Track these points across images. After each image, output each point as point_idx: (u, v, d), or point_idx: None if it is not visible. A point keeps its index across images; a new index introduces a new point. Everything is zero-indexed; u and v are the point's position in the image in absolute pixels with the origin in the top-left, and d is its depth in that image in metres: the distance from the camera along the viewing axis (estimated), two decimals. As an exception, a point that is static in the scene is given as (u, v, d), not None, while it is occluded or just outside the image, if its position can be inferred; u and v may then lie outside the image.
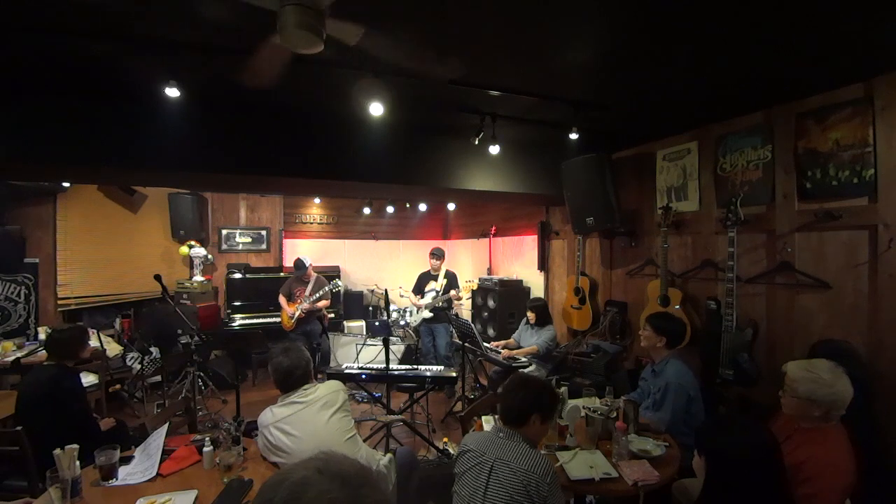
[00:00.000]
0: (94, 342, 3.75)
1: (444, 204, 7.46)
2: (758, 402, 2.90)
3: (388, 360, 3.49)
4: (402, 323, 6.01)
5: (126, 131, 3.06)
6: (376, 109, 2.79)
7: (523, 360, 4.15)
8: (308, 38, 1.71)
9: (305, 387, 2.13)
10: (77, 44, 2.19)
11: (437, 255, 5.26)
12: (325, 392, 2.13)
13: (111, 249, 5.48)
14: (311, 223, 7.55)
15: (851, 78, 2.56)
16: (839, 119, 2.65)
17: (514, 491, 1.61)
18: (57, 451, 1.73)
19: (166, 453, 2.05)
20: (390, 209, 7.59)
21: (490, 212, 6.78)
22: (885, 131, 2.47)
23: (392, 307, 6.07)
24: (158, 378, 4.73)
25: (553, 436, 2.25)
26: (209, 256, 6.41)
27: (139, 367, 4.44)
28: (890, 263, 2.44)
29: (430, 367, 3.93)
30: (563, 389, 2.67)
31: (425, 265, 5.42)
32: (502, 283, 5.69)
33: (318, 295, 5.04)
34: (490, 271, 6.67)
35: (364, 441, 2.30)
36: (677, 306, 3.48)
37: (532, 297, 5.49)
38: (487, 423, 2.51)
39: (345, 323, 6.50)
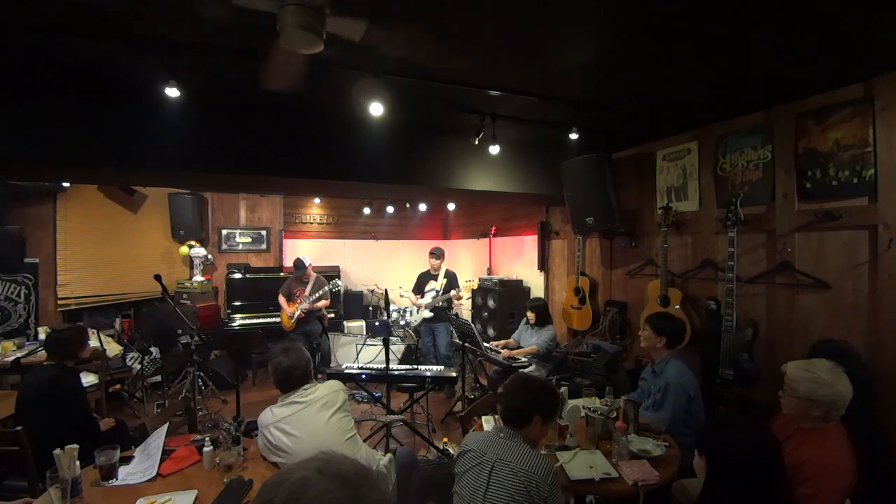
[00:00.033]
0: (94, 342, 3.76)
1: (444, 204, 7.46)
2: (758, 402, 2.90)
3: (388, 360, 3.49)
4: (402, 323, 6.01)
5: (126, 131, 3.06)
6: (376, 109, 2.79)
7: (523, 360, 4.15)
8: (308, 38, 1.71)
9: (305, 387, 2.13)
10: (77, 44, 2.19)
11: (437, 254, 5.26)
12: (325, 392, 2.13)
13: (111, 249, 5.49)
14: (311, 223, 7.55)
15: (851, 78, 2.56)
16: (839, 119, 2.65)
17: (515, 491, 1.61)
18: (57, 451, 1.73)
19: (166, 453, 2.05)
20: (390, 209, 7.59)
21: (490, 212, 6.78)
22: (885, 131, 2.47)
23: (392, 307, 6.07)
24: (158, 378, 4.73)
25: (553, 436, 2.25)
26: (209, 256, 6.41)
27: (139, 367, 4.44)
28: (890, 263, 2.44)
29: (430, 367, 3.93)
30: (563, 389, 2.67)
31: (425, 265, 5.42)
32: (502, 283, 5.69)
33: (317, 295, 5.04)
34: (490, 271, 6.67)
35: (364, 441, 2.30)
36: (677, 306, 3.48)
37: (532, 297, 5.49)
38: (487, 423, 2.51)
39: (345, 323, 6.50)
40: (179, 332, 5.08)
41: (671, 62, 2.39)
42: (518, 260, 6.07)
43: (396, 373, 3.69)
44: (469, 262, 7.38)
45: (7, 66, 2.51)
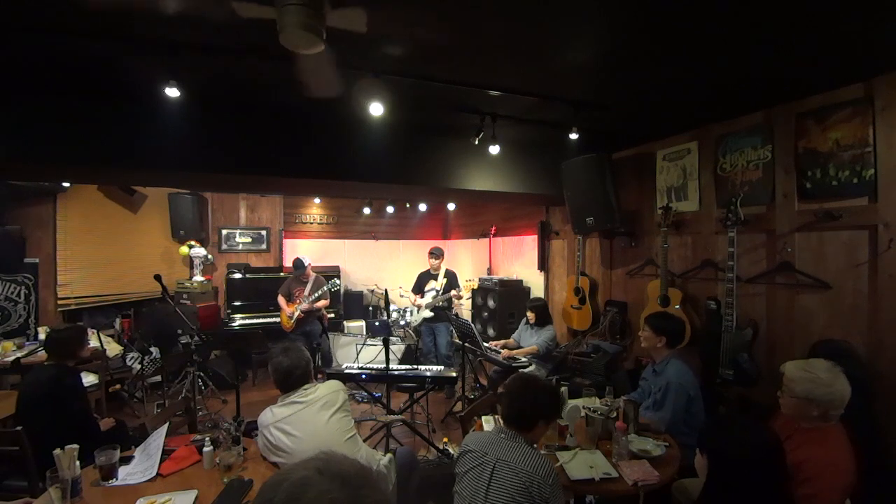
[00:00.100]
0: (94, 342, 3.76)
1: (444, 204, 7.46)
2: (758, 402, 2.90)
3: (388, 360, 3.49)
4: (402, 323, 6.01)
5: (126, 131, 3.06)
6: (376, 109, 2.80)
7: (523, 360, 4.15)
8: (308, 38, 1.71)
9: (305, 387, 2.13)
10: (77, 44, 2.19)
11: (436, 254, 5.26)
12: (325, 392, 2.13)
13: (111, 249, 5.48)
14: (311, 223, 7.55)
15: (851, 78, 2.56)
16: (839, 119, 2.65)
17: (516, 492, 1.61)
18: (57, 451, 1.73)
19: (166, 453, 2.05)
20: (390, 209, 7.59)
21: (490, 212, 6.78)
22: (885, 131, 2.47)
23: (392, 307, 6.07)
24: (158, 378, 4.73)
25: (553, 436, 2.25)
26: (209, 256, 6.41)
27: (139, 367, 4.44)
28: (890, 263, 2.44)
29: (430, 367, 3.93)
30: (563, 389, 2.67)
31: (425, 265, 5.42)
32: (502, 283, 5.69)
33: (317, 295, 5.04)
34: (490, 271, 6.67)
35: (364, 441, 2.30)
36: (677, 306, 3.48)
37: (532, 297, 5.49)
38: (487, 423, 2.51)
39: (345, 323, 6.51)
40: (179, 332, 5.08)
41: (671, 62, 2.39)
42: (518, 260, 6.07)
43: (396, 373, 3.69)
44: (469, 262, 7.38)
45: (7, 66, 2.51)
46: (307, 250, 6.91)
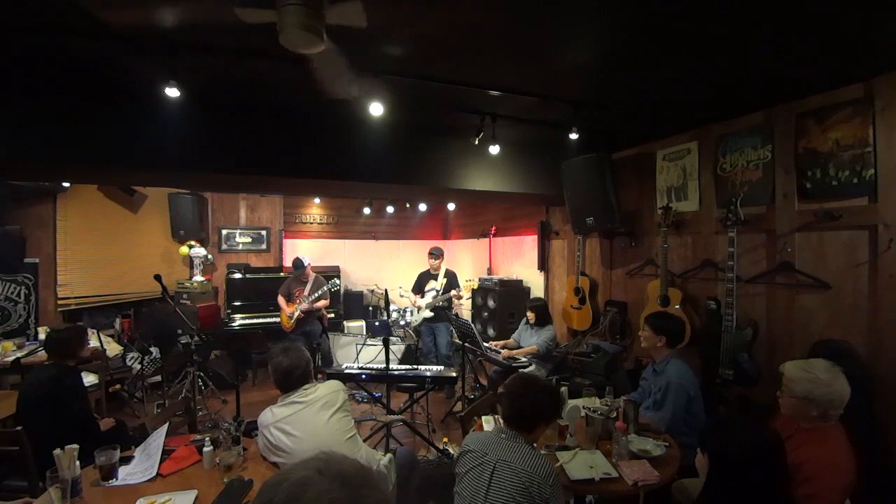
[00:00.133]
0: (94, 342, 3.76)
1: (444, 204, 7.46)
2: (758, 402, 2.90)
3: (388, 360, 3.49)
4: (402, 323, 6.01)
5: (126, 131, 3.06)
6: (376, 109, 2.80)
7: (523, 360, 4.15)
8: (308, 38, 1.71)
9: (305, 387, 2.13)
10: (77, 44, 2.19)
11: (436, 254, 5.26)
12: (325, 392, 2.13)
13: (111, 249, 5.49)
14: (311, 223, 7.55)
15: (851, 78, 2.56)
16: (839, 119, 2.65)
17: (516, 492, 1.61)
18: (57, 451, 1.72)
19: (166, 453, 2.05)
20: (390, 209, 7.59)
21: (490, 212, 6.78)
22: (885, 131, 2.47)
23: (392, 307, 6.07)
24: (158, 378, 4.73)
25: (553, 436, 2.25)
26: (209, 256, 6.41)
27: (139, 367, 4.44)
28: (890, 263, 2.44)
29: (430, 367, 3.93)
30: (563, 389, 2.67)
31: (425, 265, 5.42)
32: (502, 283, 5.69)
33: (316, 295, 5.04)
34: (490, 271, 6.67)
35: (364, 441, 2.30)
36: (677, 306, 3.48)
37: (532, 297, 5.49)
38: (487, 423, 2.51)
39: (345, 323, 6.50)
40: (179, 332, 5.08)
41: (671, 62, 2.39)
42: (518, 260, 6.07)
43: (396, 373, 3.69)
44: (469, 262, 7.38)
45: (7, 66, 2.51)
46: (307, 250, 6.91)
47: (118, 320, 5.24)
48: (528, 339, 4.39)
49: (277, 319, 5.35)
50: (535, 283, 5.62)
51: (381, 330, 5.46)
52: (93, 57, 2.37)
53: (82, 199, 5.14)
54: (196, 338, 4.31)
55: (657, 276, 3.66)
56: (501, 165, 4.07)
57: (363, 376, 3.75)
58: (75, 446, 1.77)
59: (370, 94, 2.63)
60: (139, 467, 1.99)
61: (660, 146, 3.89)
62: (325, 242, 7.52)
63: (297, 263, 5.09)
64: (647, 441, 2.23)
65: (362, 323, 6.50)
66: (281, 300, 5.17)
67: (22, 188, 4.53)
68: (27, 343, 4.31)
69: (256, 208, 6.96)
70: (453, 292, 5.02)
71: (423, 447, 3.56)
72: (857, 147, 2.57)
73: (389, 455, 2.31)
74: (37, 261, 4.72)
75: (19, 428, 2.16)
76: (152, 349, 4.81)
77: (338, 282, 5.53)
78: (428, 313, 5.15)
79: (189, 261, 6.36)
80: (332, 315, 6.21)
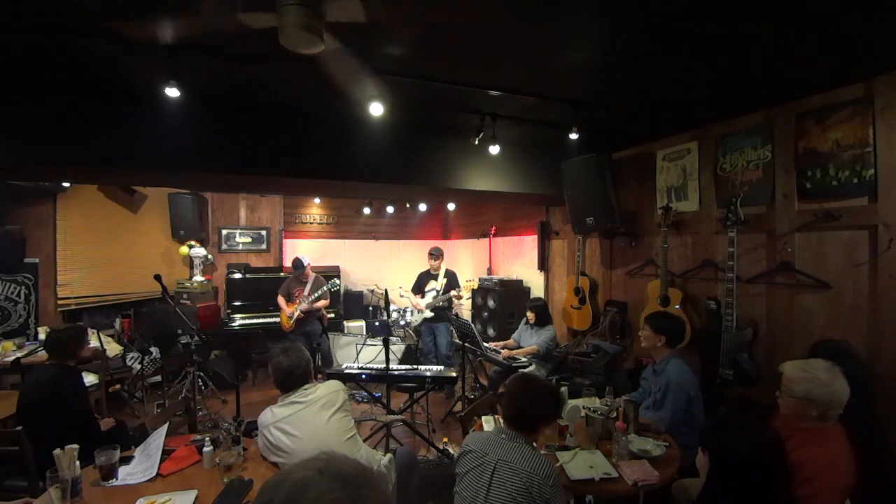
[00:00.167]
0: (94, 342, 3.76)
1: (444, 204, 7.46)
2: (758, 402, 2.90)
3: (388, 360, 3.49)
4: (402, 323, 6.01)
5: (126, 131, 3.06)
6: (376, 109, 2.80)
7: (523, 360, 4.15)
8: (308, 37, 1.71)
9: (305, 387, 2.13)
10: (77, 44, 2.19)
11: (436, 254, 5.26)
12: (325, 392, 2.13)
13: (111, 249, 5.48)
14: (311, 223, 7.55)
15: (851, 78, 2.56)
16: (839, 119, 2.65)
17: (517, 492, 1.61)
18: (57, 451, 1.73)
19: (166, 453, 2.05)
20: (390, 209, 7.59)
21: (490, 212, 6.78)
22: (885, 131, 2.47)
23: (392, 307, 6.07)
24: (158, 378, 4.73)
25: (553, 436, 2.25)
26: (209, 256, 6.41)
27: (139, 367, 4.44)
28: (890, 263, 2.44)
29: (430, 367, 3.93)
30: (563, 389, 2.67)
31: (425, 265, 5.42)
32: (502, 283, 5.69)
33: (316, 295, 5.04)
34: (490, 271, 6.67)
35: (364, 441, 2.30)
36: (677, 306, 3.48)
37: (532, 297, 5.49)
38: (487, 423, 2.51)
39: (345, 323, 6.51)
40: (179, 332, 5.08)
41: (671, 62, 2.39)
42: (518, 260, 6.07)
43: (396, 373, 3.69)
44: (469, 262, 7.38)
45: (7, 66, 2.51)
46: (307, 250, 6.91)
47: (118, 320, 5.24)
48: (528, 340, 4.39)
49: (277, 319, 5.35)
50: (535, 283, 5.62)
51: (381, 330, 5.46)
52: (93, 57, 2.37)
53: (82, 199, 5.14)
54: (196, 338, 4.31)
55: (657, 276, 3.66)
56: (501, 165, 4.07)
57: (363, 376, 3.75)
58: (75, 446, 1.77)
59: (370, 93, 2.63)
60: (139, 467, 1.99)
61: (660, 146, 3.89)
62: (325, 242, 7.52)
63: (297, 263, 5.09)
64: (647, 441, 2.23)
65: (362, 323, 6.50)
66: (281, 300, 5.17)
67: (22, 188, 4.53)
68: (27, 343, 4.31)
69: (256, 208, 6.96)
70: (453, 292, 5.01)
71: (423, 447, 3.56)
72: (857, 147, 2.57)
73: (389, 455, 2.31)
74: (37, 261, 4.72)
75: (19, 428, 2.16)
76: (152, 349, 4.81)
77: (337, 282, 5.53)
78: (428, 313, 5.15)
79: (189, 261, 6.36)
80: (332, 315, 6.21)
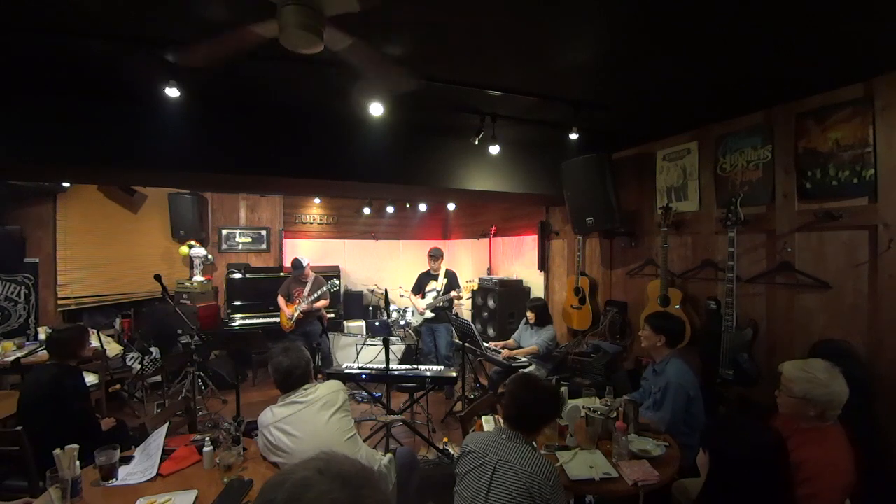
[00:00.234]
0: (94, 342, 3.76)
1: (444, 204, 7.46)
2: (758, 402, 2.90)
3: (388, 360, 3.49)
4: (402, 323, 6.01)
5: (126, 131, 3.06)
6: (376, 109, 2.80)
7: (523, 360, 4.15)
8: (308, 38, 1.71)
9: (305, 387, 2.13)
10: (77, 44, 2.19)
11: (435, 255, 5.26)
12: (325, 392, 2.13)
13: (111, 249, 5.48)
14: (311, 223, 7.55)
15: (851, 78, 2.56)
16: (839, 119, 2.65)
17: (517, 492, 1.61)
18: (57, 451, 1.72)
19: (166, 453, 2.05)
20: (390, 209, 7.59)
21: (490, 212, 6.78)
22: (885, 131, 2.47)
23: (392, 307, 6.07)
24: (158, 378, 4.73)
25: (553, 436, 2.25)
26: (209, 256, 6.41)
27: (139, 367, 4.44)
28: (890, 263, 2.44)
29: (430, 367, 3.93)
30: (563, 389, 2.67)
31: (425, 265, 5.42)
32: (502, 283, 5.69)
33: (316, 295, 5.04)
34: (490, 271, 6.67)
35: (364, 441, 2.30)
36: (677, 306, 3.48)
37: (532, 297, 5.49)
38: (487, 423, 2.51)
39: (345, 323, 6.50)
40: (179, 332, 5.07)
41: (671, 62, 2.39)
42: (518, 260, 6.07)
43: (396, 373, 3.69)
44: (469, 262, 7.38)
45: (7, 66, 2.51)
46: (307, 250, 6.92)
47: (118, 320, 5.24)
48: (528, 340, 4.39)
49: (277, 319, 5.34)
50: (535, 283, 5.62)
51: (381, 330, 5.46)
52: (93, 57, 2.37)
53: (82, 199, 5.14)
54: (196, 338, 4.31)
55: (657, 276, 3.66)
56: (501, 165, 4.07)
57: (363, 376, 3.75)
58: (75, 446, 1.77)
59: (370, 93, 2.63)
60: (139, 467, 1.99)
61: (660, 146, 3.89)
62: (325, 242, 7.52)
63: (296, 264, 5.09)
64: (647, 441, 2.23)
65: (362, 323, 6.50)
66: (281, 301, 5.17)
67: (22, 188, 4.53)
68: (27, 343, 4.31)
69: (256, 208, 6.96)
70: (454, 293, 5.01)
71: (423, 447, 3.56)
72: (857, 147, 2.57)
73: (389, 455, 2.31)
74: (37, 261, 4.71)
75: (19, 428, 2.15)
76: (152, 349, 4.81)
77: (337, 282, 5.53)
78: (429, 314, 5.15)
79: (189, 261, 6.36)
80: (332, 315, 6.21)
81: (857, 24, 1.97)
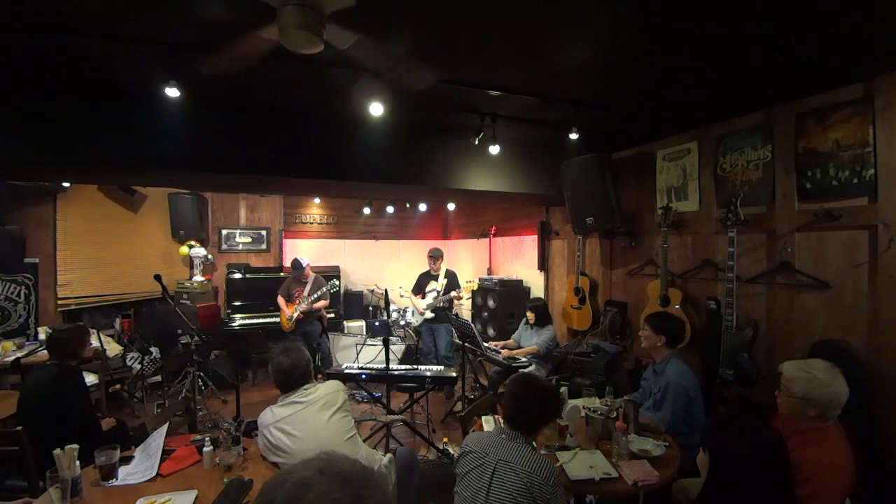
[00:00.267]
0: (94, 342, 3.76)
1: (444, 204, 7.46)
2: (758, 402, 2.90)
3: (388, 360, 3.49)
4: (402, 323, 6.01)
5: (126, 131, 3.06)
6: (376, 109, 2.79)
7: (523, 360, 4.15)
8: (308, 37, 1.71)
9: (305, 387, 2.13)
10: (77, 44, 2.19)
11: (435, 255, 5.25)
12: (325, 392, 2.13)
13: (111, 249, 5.48)
14: (311, 223, 7.55)
15: (851, 78, 2.56)
16: (839, 119, 2.65)
17: (517, 492, 1.61)
18: (57, 451, 1.72)
19: (166, 453, 2.05)
20: (390, 209, 7.59)
21: (490, 212, 6.78)
22: (885, 131, 2.47)
23: (392, 307, 6.07)
24: (158, 378, 4.73)
25: (553, 436, 2.25)
26: (209, 256, 6.41)
27: (139, 367, 4.44)
28: (890, 263, 2.44)
29: (430, 367, 3.93)
30: (563, 389, 2.67)
31: (425, 265, 5.42)
32: (502, 283, 5.69)
33: (316, 295, 5.03)
34: (490, 271, 6.67)
35: (364, 441, 2.30)
36: (677, 306, 3.48)
37: (532, 297, 5.49)
38: (487, 423, 2.51)
39: (345, 323, 6.50)
40: (179, 332, 5.07)
41: (671, 62, 2.39)
42: (518, 260, 6.07)
43: (396, 373, 3.69)
44: (469, 262, 7.38)
45: (7, 66, 2.51)
46: (307, 250, 6.92)
47: (118, 320, 5.24)
48: (528, 340, 4.39)
49: (277, 319, 5.34)
50: (535, 283, 5.62)
51: (381, 330, 5.46)
52: (93, 57, 2.37)
53: (82, 199, 5.14)
54: (196, 338, 4.31)
55: (657, 276, 3.66)
56: (501, 165, 4.07)
57: (363, 376, 3.75)
58: (75, 446, 1.76)
59: (370, 93, 2.62)
60: (139, 467, 1.99)
61: (660, 146, 3.89)
62: (325, 242, 7.52)
63: (296, 264, 5.09)
64: (647, 441, 2.23)
65: (362, 323, 6.50)
66: (281, 301, 5.16)
67: (22, 188, 4.53)
68: (27, 343, 4.31)
69: (256, 208, 6.96)
70: (454, 293, 5.01)
71: (423, 447, 3.56)
72: (857, 147, 2.57)
73: (389, 455, 2.31)
74: (37, 261, 4.71)
75: (19, 428, 2.15)
76: (152, 349, 4.81)
77: (337, 282, 5.52)
78: (429, 314, 5.15)
79: (189, 261, 6.36)
80: (332, 315, 6.21)
81: (857, 24, 1.97)
